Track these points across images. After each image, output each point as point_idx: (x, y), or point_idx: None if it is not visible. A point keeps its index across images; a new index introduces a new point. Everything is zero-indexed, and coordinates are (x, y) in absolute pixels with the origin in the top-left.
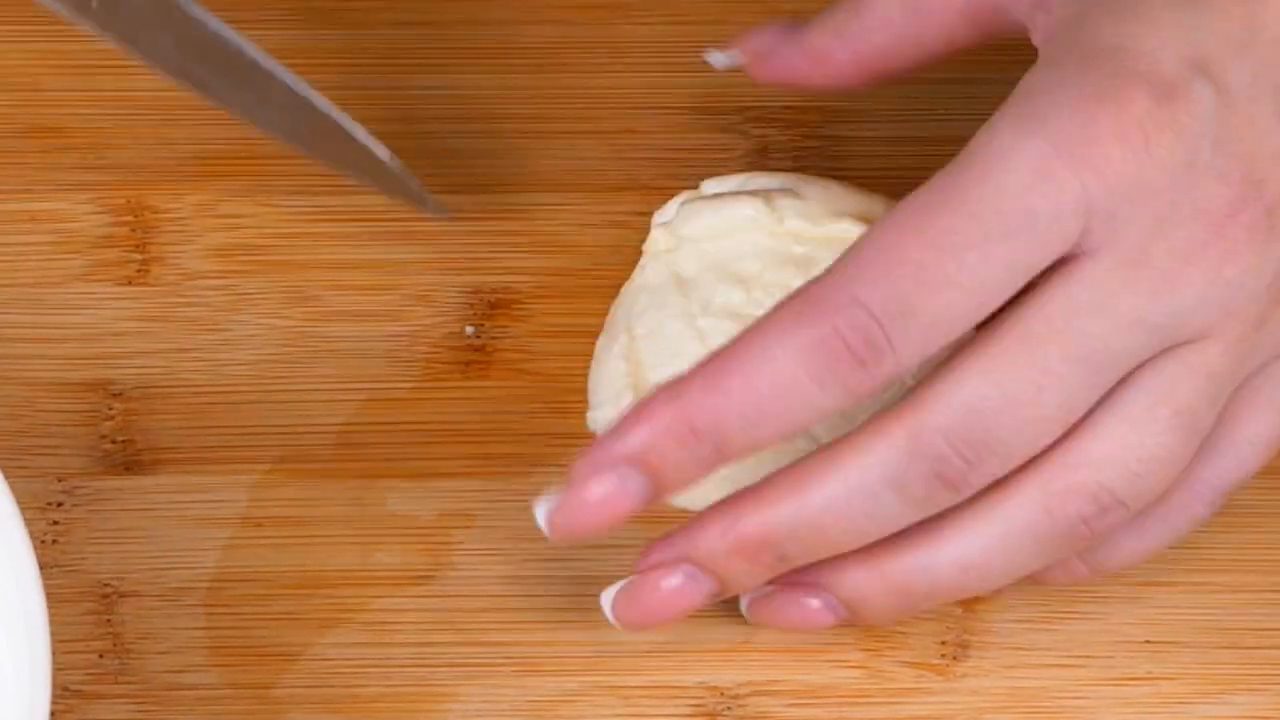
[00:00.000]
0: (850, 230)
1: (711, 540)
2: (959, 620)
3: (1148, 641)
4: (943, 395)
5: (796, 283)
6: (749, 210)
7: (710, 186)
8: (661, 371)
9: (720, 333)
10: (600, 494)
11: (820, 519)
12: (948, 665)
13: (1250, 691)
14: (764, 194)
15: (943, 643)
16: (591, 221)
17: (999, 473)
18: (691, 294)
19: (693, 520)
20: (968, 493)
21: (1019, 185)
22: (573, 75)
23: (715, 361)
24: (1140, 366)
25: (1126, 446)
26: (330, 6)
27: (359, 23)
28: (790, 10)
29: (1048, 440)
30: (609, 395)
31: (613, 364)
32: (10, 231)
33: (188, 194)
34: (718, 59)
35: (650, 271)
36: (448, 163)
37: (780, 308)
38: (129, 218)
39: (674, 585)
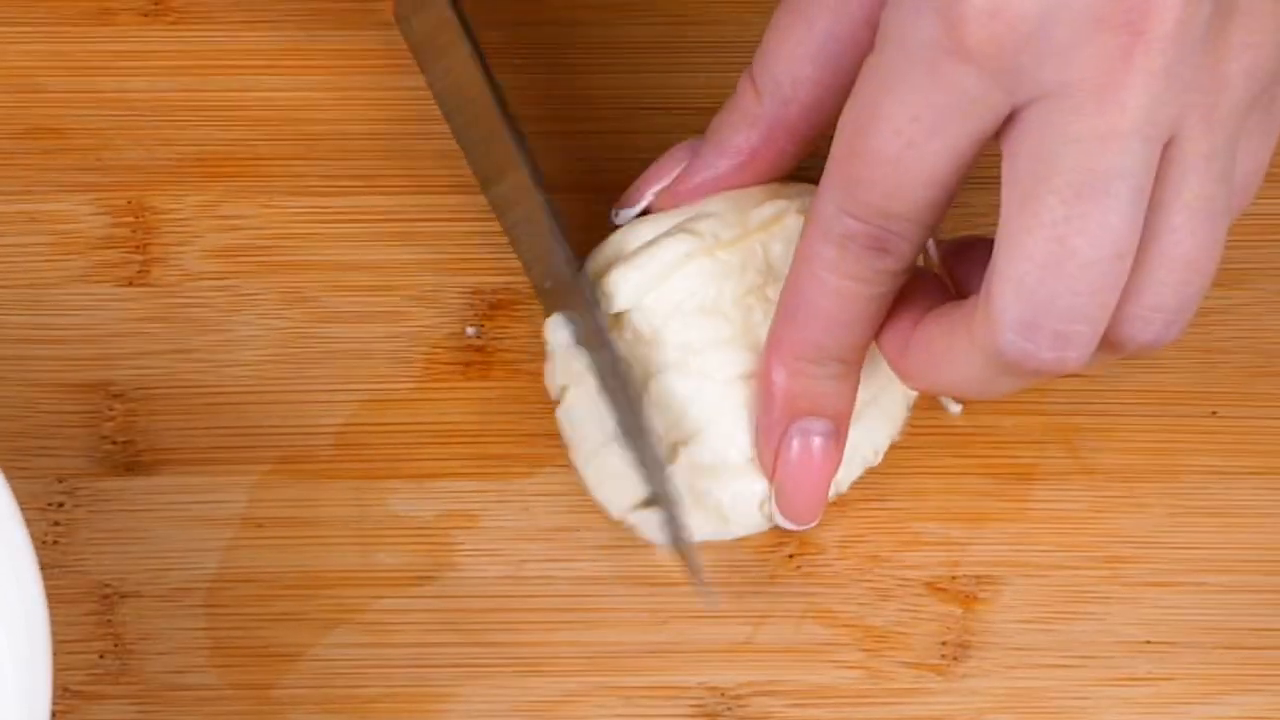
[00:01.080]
0: (774, 208)
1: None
2: (959, 620)
3: (1148, 641)
4: (994, 297)
5: (768, 284)
6: (683, 247)
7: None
8: (692, 422)
9: (722, 363)
10: (793, 455)
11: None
12: (948, 665)
13: (1250, 691)
14: (684, 228)
15: (943, 643)
16: (591, 222)
17: (1097, 331)
18: (665, 348)
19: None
20: (1081, 360)
21: (921, 89)
22: (574, 75)
23: (783, 303)
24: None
25: (1157, 268)
26: (330, 6)
27: (359, 23)
28: None
29: (1119, 279)
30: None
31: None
32: (10, 232)
33: (188, 194)
34: (625, 215)
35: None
36: (448, 163)
37: (801, 240)
38: (129, 218)
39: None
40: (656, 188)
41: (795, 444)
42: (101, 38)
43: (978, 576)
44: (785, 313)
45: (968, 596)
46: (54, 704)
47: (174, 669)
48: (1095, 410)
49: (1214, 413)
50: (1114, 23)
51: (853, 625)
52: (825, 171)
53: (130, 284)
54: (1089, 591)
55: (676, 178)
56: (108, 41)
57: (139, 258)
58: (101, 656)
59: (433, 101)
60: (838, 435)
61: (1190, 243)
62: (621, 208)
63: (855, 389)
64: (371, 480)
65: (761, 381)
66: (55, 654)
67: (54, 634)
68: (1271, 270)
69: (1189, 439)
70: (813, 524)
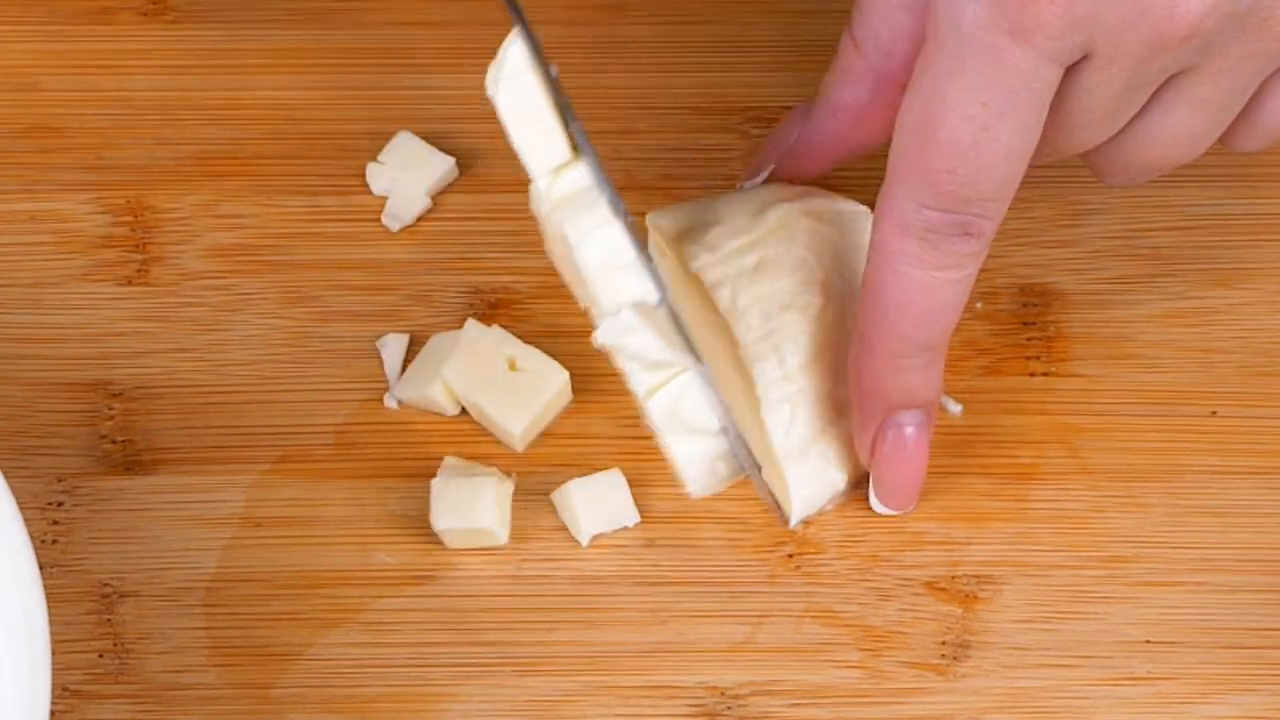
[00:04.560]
0: (781, 212)
1: None
2: (959, 620)
3: (1148, 641)
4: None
5: (778, 287)
6: (693, 264)
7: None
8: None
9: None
10: (888, 448)
11: None
12: (948, 665)
13: (1250, 691)
14: (693, 238)
15: (943, 643)
16: None
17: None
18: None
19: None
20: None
21: (984, 73)
22: (573, 75)
23: (867, 303)
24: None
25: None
26: (330, 6)
27: (359, 23)
28: (794, 10)
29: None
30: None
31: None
32: (10, 231)
33: (188, 194)
34: (750, 186)
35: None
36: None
37: (876, 238)
38: (129, 218)
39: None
40: (776, 157)
41: (890, 437)
42: (101, 37)
43: (978, 576)
44: (872, 312)
45: (968, 596)
46: (53, 703)
47: (173, 668)
48: (1095, 410)
49: (1214, 413)
50: (1159, 14)
51: (852, 625)
52: (891, 170)
53: (130, 283)
54: (1089, 591)
55: (794, 145)
56: (107, 41)
57: (138, 257)
58: (101, 656)
59: (432, 101)
60: (929, 421)
61: (1157, 152)
62: (746, 180)
63: (942, 371)
64: (370, 480)
65: (853, 379)
66: (54, 653)
67: (53, 633)
68: (1271, 270)
69: (1189, 439)
70: (910, 509)
